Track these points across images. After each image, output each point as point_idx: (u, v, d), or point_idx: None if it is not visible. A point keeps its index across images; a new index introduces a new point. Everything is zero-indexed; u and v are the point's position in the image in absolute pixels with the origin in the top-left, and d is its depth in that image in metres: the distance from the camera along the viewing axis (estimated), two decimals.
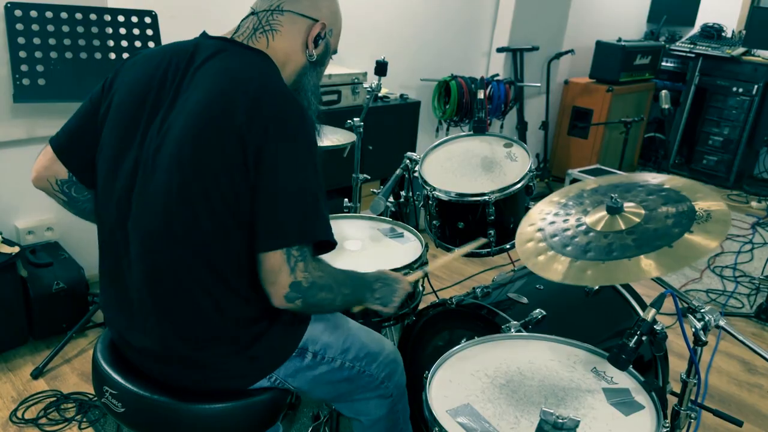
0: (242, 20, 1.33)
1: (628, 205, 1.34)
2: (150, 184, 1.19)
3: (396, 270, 1.69)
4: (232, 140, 1.14)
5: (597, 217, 1.35)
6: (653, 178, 1.44)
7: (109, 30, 2.47)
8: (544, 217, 1.43)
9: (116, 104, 1.28)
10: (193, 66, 1.23)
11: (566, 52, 4.81)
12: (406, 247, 1.88)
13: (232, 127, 1.14)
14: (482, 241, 1.87)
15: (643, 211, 1.32)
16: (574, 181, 4.26)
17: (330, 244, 1.23)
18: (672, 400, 1.37)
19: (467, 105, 3.91)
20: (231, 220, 1.16)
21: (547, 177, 5.01)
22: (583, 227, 1.34)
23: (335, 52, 1.42)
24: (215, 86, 1.18)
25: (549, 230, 1.37)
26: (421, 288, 1.93)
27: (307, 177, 1.18)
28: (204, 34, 1.32)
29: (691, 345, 1.25)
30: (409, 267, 1.75)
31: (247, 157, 1.13)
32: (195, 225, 1.16)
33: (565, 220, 1.38)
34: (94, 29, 2.43)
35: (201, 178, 1.15)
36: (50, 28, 2.34)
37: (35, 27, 2.31)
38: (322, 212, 1.20)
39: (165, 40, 2.63)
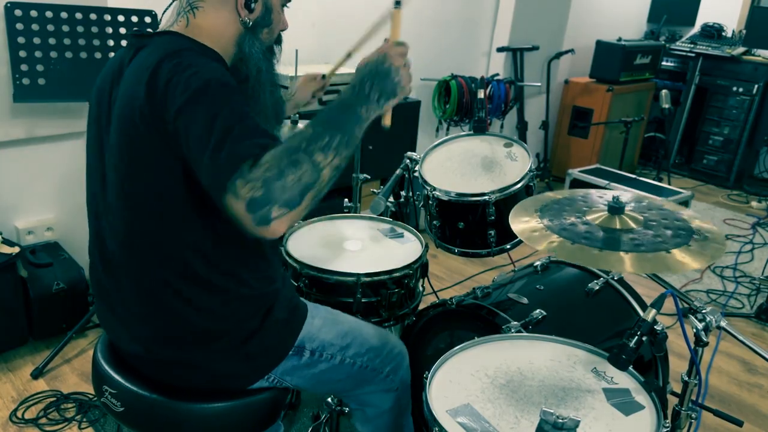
0: (164, 10, 1.28)
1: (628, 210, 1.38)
2: (108, 194, 1.22)
3: (397, 270, 1.70)
4: (141, 129, 1.09)
5: (595, 216, 1.37)
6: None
7: (109, 30, 2.47)
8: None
9: (88, 121, 1.31)
10: (121, 73, 1.20)
11: (566, 52, 4.81)
12: (406, 248, 1.88)
13: (137, 114, 1.09)
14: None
15: (641, 218, 1.35)
16: (574, 181, 4.26)
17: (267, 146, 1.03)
18: (672, 400, 1.37)
19: (467, 104, 3.91)
20: (181, 208, 1.14)
21: (548, 177, 5.00)
22: (582, 219, 1.36)
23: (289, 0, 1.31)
24: (127, 86, 1.15)
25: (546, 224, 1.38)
26: (421, 288, 1.93)
27: (215, 116, 1.03)
28: (133, 33, 1.27)
29: (692, 345, 1.25)
30: (409, 267, 1.75)
31: (153, 135, 1.08)
32: (150, 226, 1.17)
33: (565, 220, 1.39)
34: (94, 29, 2.43)
35: (138, 177, 1.15)
36: (50, 27, 2.34)
37: (35, 27, 2.31)
38: (238, 134, 1.02)
39: None
